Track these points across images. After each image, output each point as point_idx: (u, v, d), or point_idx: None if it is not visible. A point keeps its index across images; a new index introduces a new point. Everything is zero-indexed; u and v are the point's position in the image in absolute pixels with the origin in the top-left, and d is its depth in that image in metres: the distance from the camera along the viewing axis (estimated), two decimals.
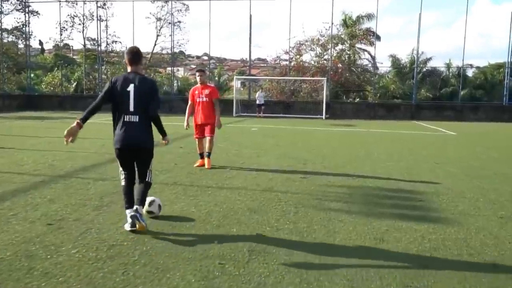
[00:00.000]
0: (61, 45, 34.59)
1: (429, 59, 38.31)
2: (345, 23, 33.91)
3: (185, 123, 8.10)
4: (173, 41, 31.47)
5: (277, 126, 18.42)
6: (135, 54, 4.37)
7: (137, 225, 4.08)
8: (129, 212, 4.19)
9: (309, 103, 28.02)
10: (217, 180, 6.80)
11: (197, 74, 8.10)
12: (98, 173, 7.17)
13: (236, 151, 10.27)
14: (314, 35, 30.97)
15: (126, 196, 4.32)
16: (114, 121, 4.29)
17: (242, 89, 34.30)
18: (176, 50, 34.49)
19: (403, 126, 20.54)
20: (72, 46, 35.88)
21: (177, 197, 5.65)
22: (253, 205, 5.30)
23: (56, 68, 39.76)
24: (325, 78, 26.92)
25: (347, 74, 31.21)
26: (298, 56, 31.20)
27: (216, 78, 42.13)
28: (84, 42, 32.82)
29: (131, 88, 4.17)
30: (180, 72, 53.76)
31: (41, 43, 42.60)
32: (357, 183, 6.82)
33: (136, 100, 4.17)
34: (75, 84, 35.44)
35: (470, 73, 40.92)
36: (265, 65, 36.42)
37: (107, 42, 32.93)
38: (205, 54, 64.89)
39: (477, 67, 39.07)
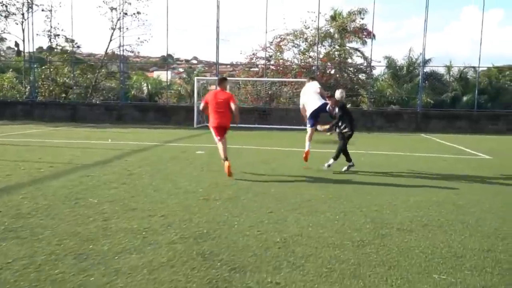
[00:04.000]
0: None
1: (428, 60, 32.96)
2: (334, 20, 28.69)
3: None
4: (123, 36, 25.88)
5: (238, 146, 13.00)
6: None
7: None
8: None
9: (291, 110, 22.64)
10: None
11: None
12: None
13: (122, 209, 4.86)
14: (297, 28, 25.61)
15: None
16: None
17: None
18: (136, 47, 28.60)
19: (417, 144, 15.24)
20: (57, 48, 30.11)
21: None
22: None
23: (11, 70, 34.86)
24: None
25: (338, 75, 25.87)
26: (278, 53, 25.81)
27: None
28: (24, 37, 26.96)
29: None
30: (167, 76, 49.09)
31: (17, 44, 37.41)
32: None
33: None
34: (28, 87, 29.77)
35: (469, 78, 36.02)
36: (249, 68, 30.98)
37: (50, 36, 27.20)
38: (195, 58, 60.94)
39: (499, 67, 33.65)
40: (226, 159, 7.85)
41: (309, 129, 9.22)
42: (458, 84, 34.61)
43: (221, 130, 8.10)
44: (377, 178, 8.18)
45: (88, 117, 23.74)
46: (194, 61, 57.85)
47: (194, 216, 5.19)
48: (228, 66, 33.15)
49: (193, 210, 5.45)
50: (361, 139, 15.39)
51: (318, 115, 9.15)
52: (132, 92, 38.59)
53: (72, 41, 28.47)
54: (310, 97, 9.14)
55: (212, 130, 8.22)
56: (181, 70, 54.95)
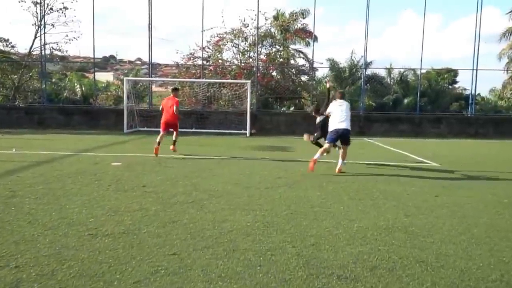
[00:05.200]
0: None
1: (370, 63, 32.73)
2: (276, 20, 27.79)
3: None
4: (43, 33, 23.52)
5: (163, 156, 11.49)
6: None
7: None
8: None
9: (230, 114, 21.38)
10: None
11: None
12: None
13: None
14: (236, 27, 24.33)
15: None
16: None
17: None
18: (63, 45, 26.06)
19: (360, 151, 14.34)
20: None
21: None
22: None
23: None
24: (249, 80, 20.38)
25: (279, 77, 24.88)
26: (217, 53, 24.41)
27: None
28: None
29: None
30: (109, 77, 46.43)
31: None
32: None
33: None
34: None
35: (409, 80, 36.39)
36: (186, 69, 29.45)
37: None
38: (139, 59, 58.34)
39: (438, 70, 34.02)
40: (158, 144, 11.03)
41: (327, 144, 9.33)
42: (399, 87, 34.85)
43: (167, 126, 11.45)
44: (316, 194, 6.99)
45: (6, 122, 21.24)
46: (138, 62, 55.66)
47: (62, 266, 3.71)
48: (174, 67, 31.55)
49: (65, 255, 3.95)
50: (305, 147, 14.34)
51: (339, 137, 9.32)
52: (65, 94, 35.81)
53: (6, 40, 26.35)
54: (344, 115, 9.20)
55: (161, 124, 11.52)
56: (125, 71, 52.60)
